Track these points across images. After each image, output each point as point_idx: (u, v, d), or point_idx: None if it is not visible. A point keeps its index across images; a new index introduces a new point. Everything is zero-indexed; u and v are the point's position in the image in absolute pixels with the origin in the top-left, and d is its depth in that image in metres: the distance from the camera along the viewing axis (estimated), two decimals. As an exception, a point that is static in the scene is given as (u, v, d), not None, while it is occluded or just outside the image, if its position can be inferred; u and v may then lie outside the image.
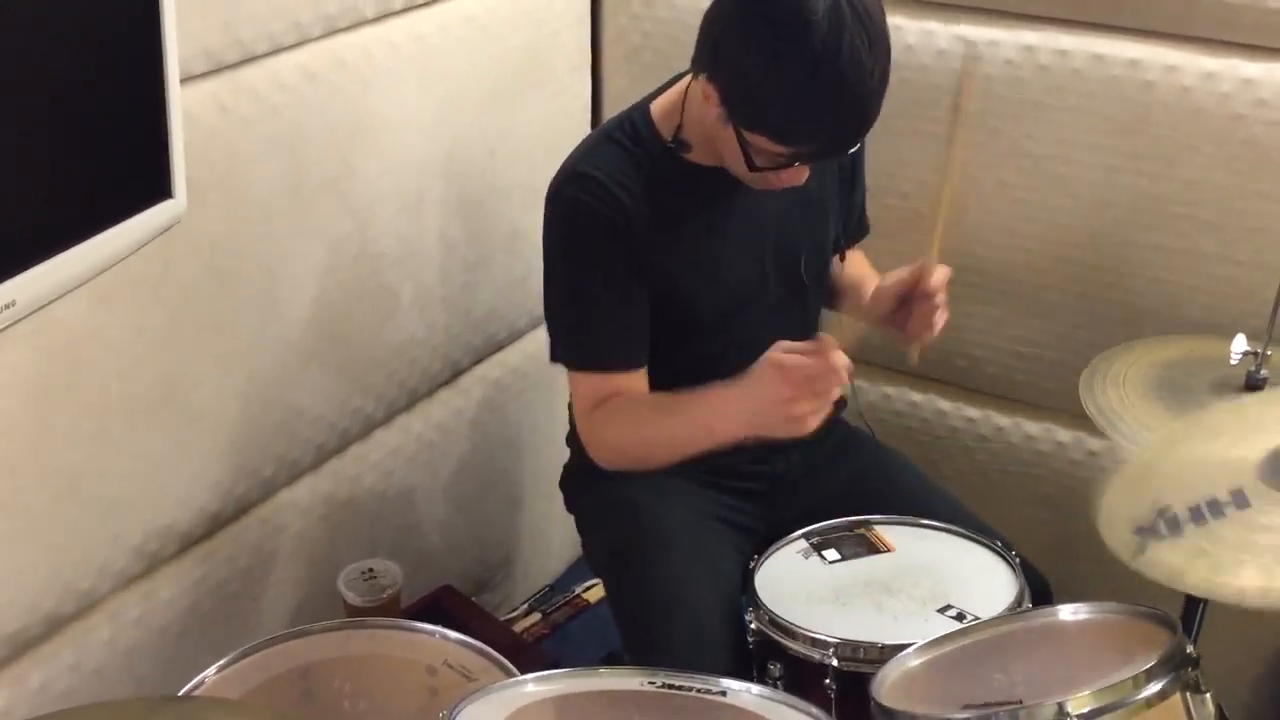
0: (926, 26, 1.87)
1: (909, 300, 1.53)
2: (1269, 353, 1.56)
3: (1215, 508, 1.17)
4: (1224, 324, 1.67)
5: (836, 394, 1.38)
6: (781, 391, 1.35)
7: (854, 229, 1.73)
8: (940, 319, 1.54)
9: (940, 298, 1.52)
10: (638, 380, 1.53)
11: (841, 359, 1.35)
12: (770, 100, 1.35)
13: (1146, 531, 1.18)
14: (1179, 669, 1.15)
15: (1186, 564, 1.14)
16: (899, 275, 1.55)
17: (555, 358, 1.58)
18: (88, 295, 1.19)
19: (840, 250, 1.70)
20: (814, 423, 1.37)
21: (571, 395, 1.59)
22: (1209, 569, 1.13)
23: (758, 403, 1.38)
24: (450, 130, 1.86)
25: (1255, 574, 1.12)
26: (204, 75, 1.48)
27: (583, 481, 1.71)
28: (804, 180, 1.47)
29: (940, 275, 1.52)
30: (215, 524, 1.66)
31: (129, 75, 1.10)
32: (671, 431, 1.50)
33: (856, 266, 1.77)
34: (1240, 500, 1.17)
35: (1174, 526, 1.17)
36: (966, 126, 1.40)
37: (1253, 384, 1.57)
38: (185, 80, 1.39)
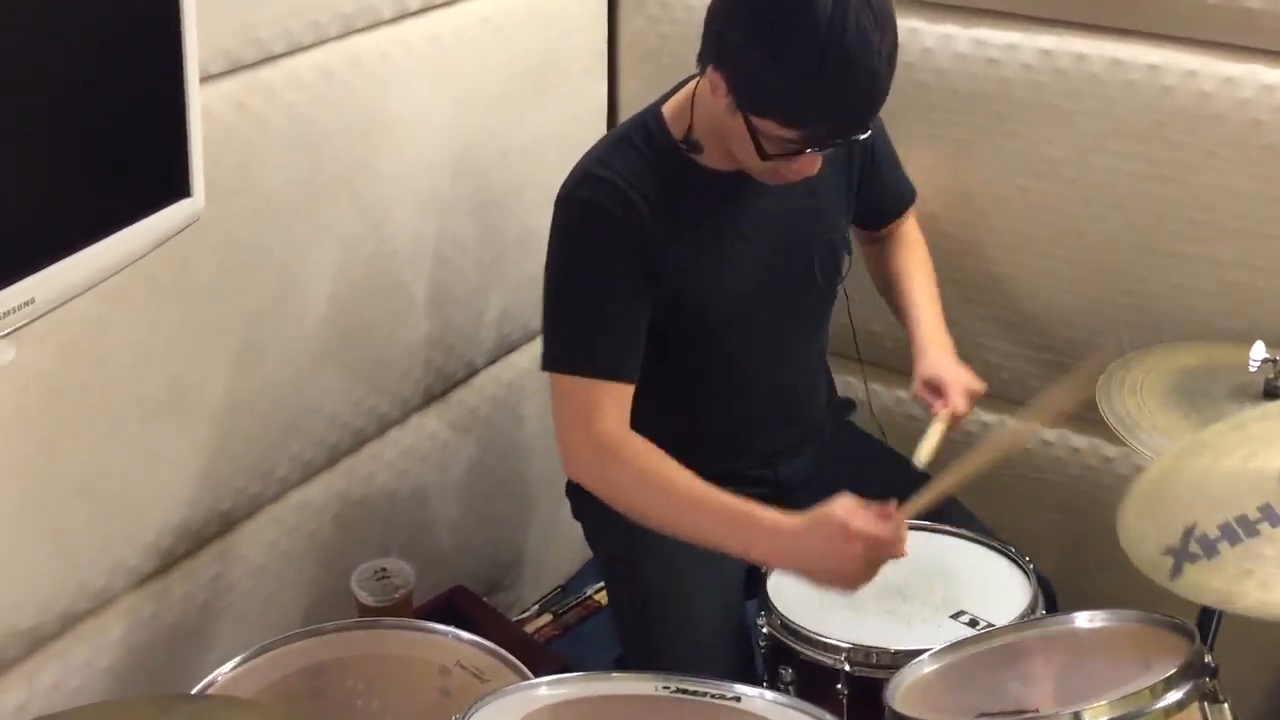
0: (944, 30, 1.86)
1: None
2: (1288, 360, 1.56)
3: (1247, 525, 1.14)
4: (1243, 330, 1.66)
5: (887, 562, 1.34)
6: (843, 551, 1.31)
7: (895, 202, 1.76)
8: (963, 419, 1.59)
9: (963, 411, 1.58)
10: (626, 397, 1.48)
11: (904, 531, 1.32)
12: (777, 83, 1.34)
13: (1179, 553, 1.15)
14: (1197, 678, 1.14)
15: (1234, 585, 1.10)
16: (919, 394, 1.61)
17: (548, 364, 1.51)
18: (103, 293, 1.19)
19: (888, 221, 1.75)
20: (862, 586, 1.34)
21: (559, 405, 1.51)
22: (1259, 589, 1.09)
23: (814, 554, 1.33)
24: (465, 130, 1.86)
25: None
26: (222, 75, 1.48)
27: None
28: (816, 170, 1.45)
29: (958, 394, 1.58)
30: (228, 522, 1.67)
31: (149, 75, 1.11)
32: (700, 524, 1.42)
33: (914, 270, 1.76)
34: (1272, 516, 1.15)
35: (1208, 547, 1.14)
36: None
37: (1271, 391, 1.56)
38: (204, 80, 1.39)
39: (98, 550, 1.50)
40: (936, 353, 1.64)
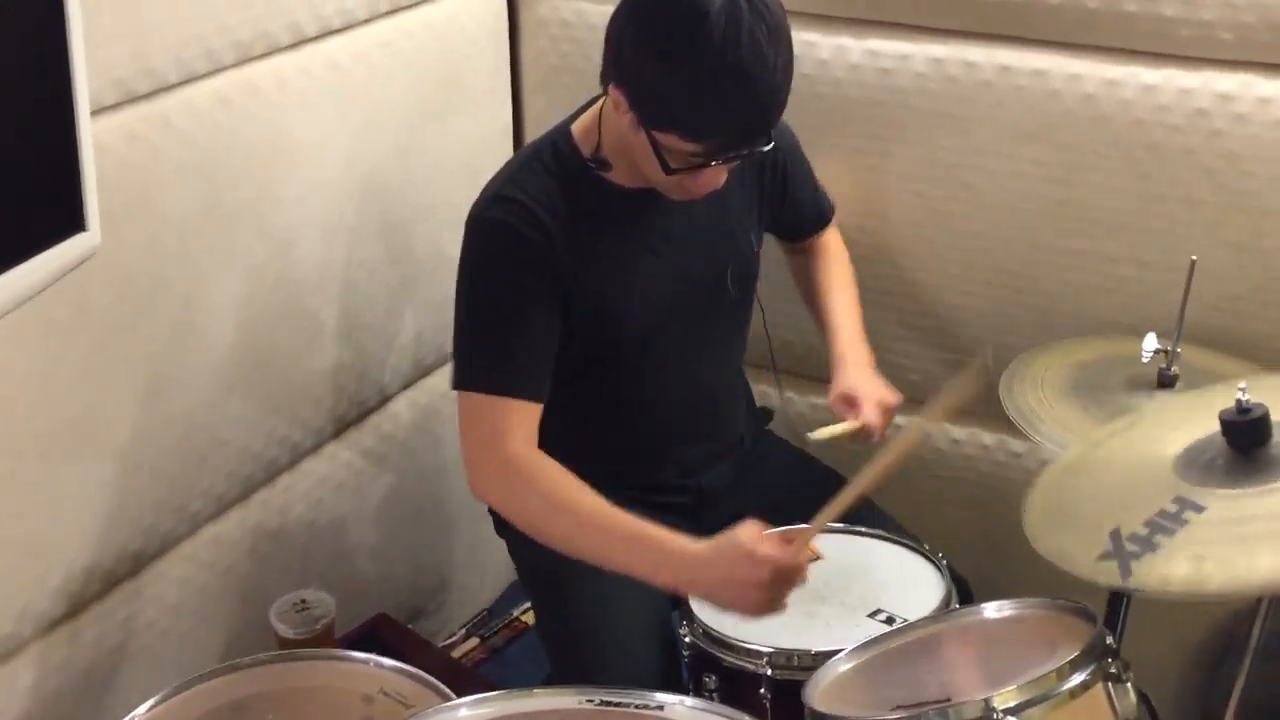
0: (839, 41, 1.90)
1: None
2: (1178, 350, 1.61)
3: (1171, 518, 1.16)
4: (1136, 324, 1.71)
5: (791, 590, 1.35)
6: (750, 578, 1.31)
7: (814, 218, 1.79)
8: (878, 433, 1.62)
9: (876, 424, 1.61)
10: (534, 416, 1.48)
11: (806, 556, 1.35)
12: (674, 97, 1.36)
13: (1118, 555, 1.16)
14: (1100, 660, 1.17)
15: (1195, 569, 1.11)
16: (835, 407, 1.63)
17: (458, 383, 1.51)
18: (-1, 332, 1.18)
19: (807, 235, 1.78)
20: (772, 613, 1.35)
21: (466, 423, 1.50)
22: (1220, 568, 1.10)
23: (720, 580, 1.34)
24: (369, 154, 1.86)
25: (1273, 556, 1.11)
26: (115, 106, 1.46)
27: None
28: (722, 182, 1.47)
29: (871, 408, 1.61)
30: (140, 562, 1.63)
31: (37, 109, 1.09)
32: (607, 549, 1.42)
33: (830, 283, 1.79)
34: (1192, 505, 1.17)
35: (1144, 543, 1.15)
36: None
37: (1164, 381, 1.61)
38: (96, 111, 1.37)
39: (4, 596, 1.46)
40: (854, 367, 1.66)
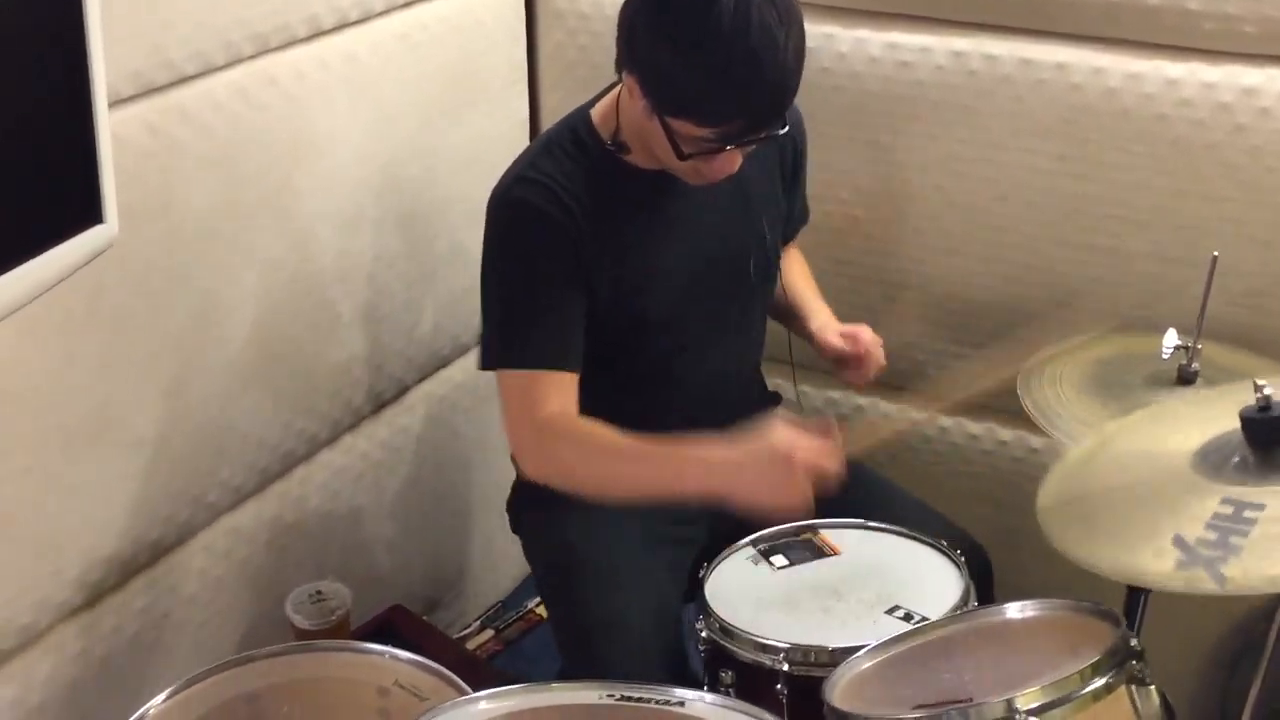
0: (858, 34, 1.89)
1: (845, 358, 1.67)
2: (1199, 346, 1.60)
3: (1233, 518, 1.14)
4: (1156, 319, 1.70)
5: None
6: (789, 480, 1.35)
7: (796, 219, 1.76)
8: (873, 368, 1.66)
9: (874, 354, 1.65)
10: (569, 386, 1.50)
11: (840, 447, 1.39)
12: (686, 84, 1.36)
13: (1198, 562, 1.13)
14: (1123, 662, 1.16)
15: None
16: (835, 344, 1.68)
17: (486, 363, 1.54)
18: (16, 325, 1.17)
19: (787, 239, 1.74)
20: (804, 505, 1.38)
21: (504, 401, 1.53)
22: None
23: (761, 483, 1.37)
24: (386, 147, 1.85)
25: None
26: (133, 98, 1.46)
27: (527, 503, 1.71)
28: (736, 167, 1.47)
29: (870, 336, 1.67)
30: (157, 552, 1.64)
31: (55, 100, 1.09)
32: (653, 478, 1.45)
33: (797, 277, 1.78)
34: (1246, 504, 1.15)
35: (1218, 546, 1.13)
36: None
37: (1185, 377, 1.60)
38: (114, 103, 1.38)
39: (22, 586, 1.46)
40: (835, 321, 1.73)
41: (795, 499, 1.36)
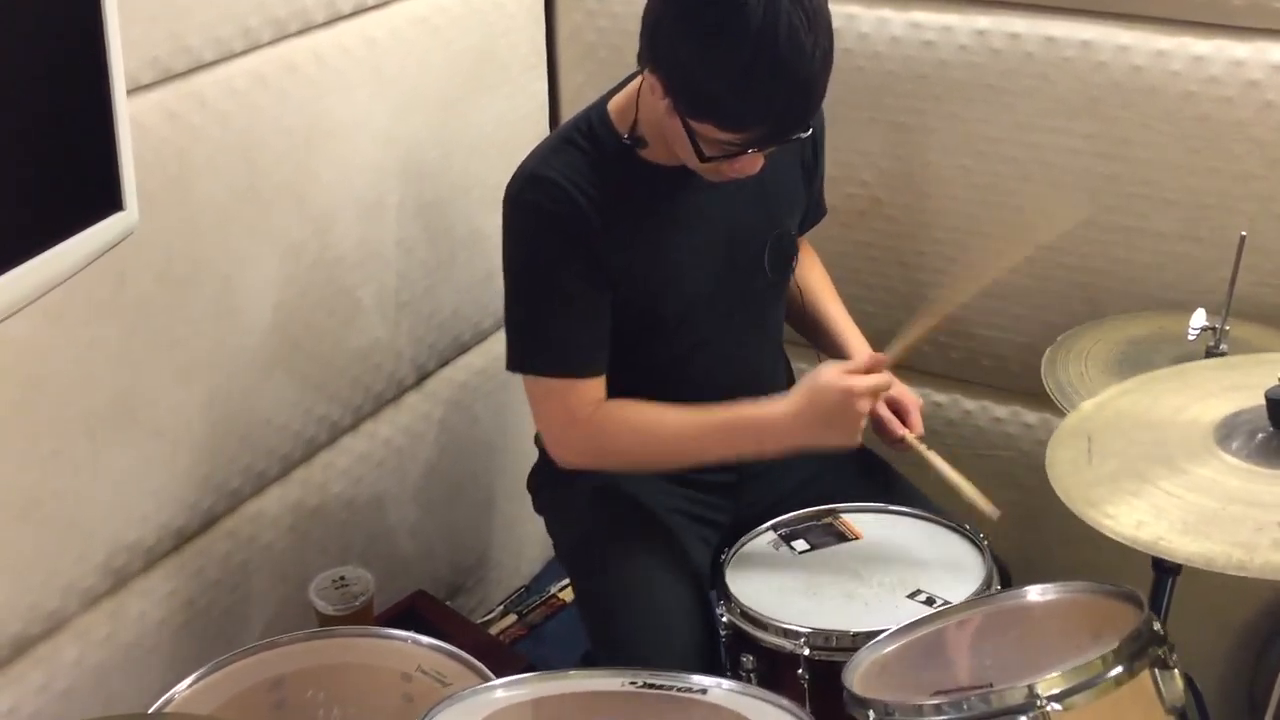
0: (880, 14, 1.87)
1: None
2: (1227, 326, 1.58)
3: None
4: (1184, 299, 1.68)
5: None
6: (848, 414, 1.43)
7: (811, 213, 1.74)
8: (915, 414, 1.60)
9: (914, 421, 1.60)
10: (599, 387, 1.52)
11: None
12: (711, 88, 1.34)
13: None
14: (1147, 647, 1.15)
15: None
16: (882, 415, 1.59)
17: (514, 366, 1.55)
18: (39, 312, 1.18)
19: (802, 231, 1.71)
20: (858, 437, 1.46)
21: (533, 402, 1.56)
22: None
23: (820, 425, 1.44)
24: (406, 132, 1.85)
25: None
26: (152, 85, 1.46)
27: (549, 482, 1.71)
28: (758, 169, 1.46)
29: (912, 400, 1.62)
30: (181, 538, 1.65)
31: (73, 88, 1.09)
32: (707, 450, 1.52)
33: (822, 292, 1.76)
34: None
35: None
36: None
37: (1212, 356, 1.58)
38: (133, 90, 1.38)
39: (48, 572, 1.47)
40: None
41: (854, 427, 1.43)
